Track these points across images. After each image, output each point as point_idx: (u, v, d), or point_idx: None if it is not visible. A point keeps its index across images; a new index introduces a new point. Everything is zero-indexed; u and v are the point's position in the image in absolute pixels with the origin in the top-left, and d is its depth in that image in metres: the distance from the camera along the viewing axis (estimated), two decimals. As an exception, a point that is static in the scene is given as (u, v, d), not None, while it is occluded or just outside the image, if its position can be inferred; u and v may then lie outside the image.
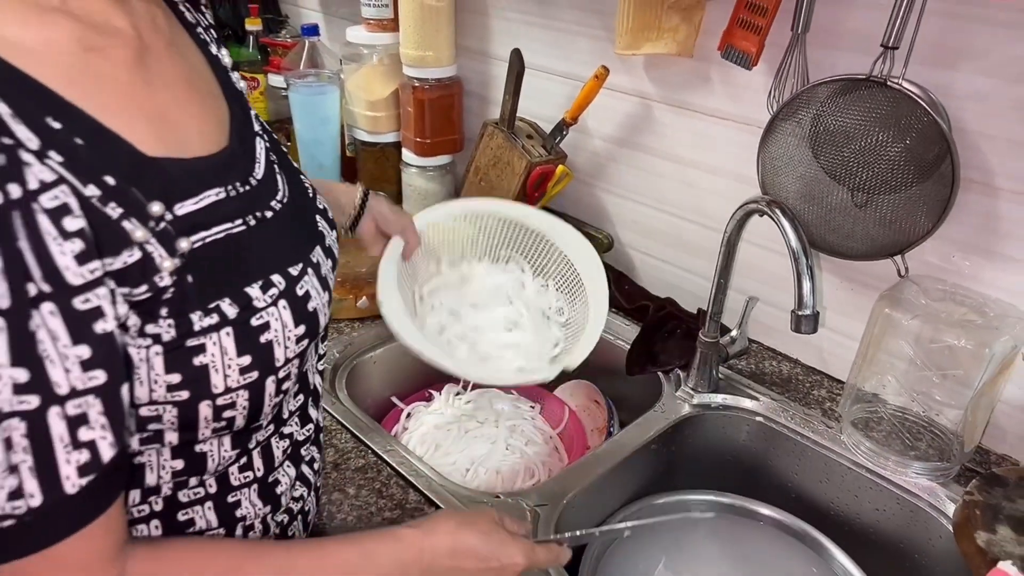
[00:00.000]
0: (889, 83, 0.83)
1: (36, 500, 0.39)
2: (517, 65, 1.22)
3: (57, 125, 0.40)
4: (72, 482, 0.40)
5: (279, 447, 0.60)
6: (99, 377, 0.40)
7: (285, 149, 0.64)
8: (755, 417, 0.98)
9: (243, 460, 0.57)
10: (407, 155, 1.45)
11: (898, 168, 0.86)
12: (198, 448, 0.52)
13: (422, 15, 1.32)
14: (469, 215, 0.94)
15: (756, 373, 1.06)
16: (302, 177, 0.63)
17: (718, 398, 1.00)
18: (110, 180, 0.42)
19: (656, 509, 0.93)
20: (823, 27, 0.90)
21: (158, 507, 0.53)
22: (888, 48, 0.82)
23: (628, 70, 1.15)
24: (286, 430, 0.61)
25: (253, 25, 1.71)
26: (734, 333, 1.01)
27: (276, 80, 1.65)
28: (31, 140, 0.39)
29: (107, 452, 0.41)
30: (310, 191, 0.63)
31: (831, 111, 0.89)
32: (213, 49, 0.59)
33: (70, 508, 0.41)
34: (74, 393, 0.39)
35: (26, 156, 0.38)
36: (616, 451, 0.91)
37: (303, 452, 0.65)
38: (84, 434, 0.40)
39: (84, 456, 0.40)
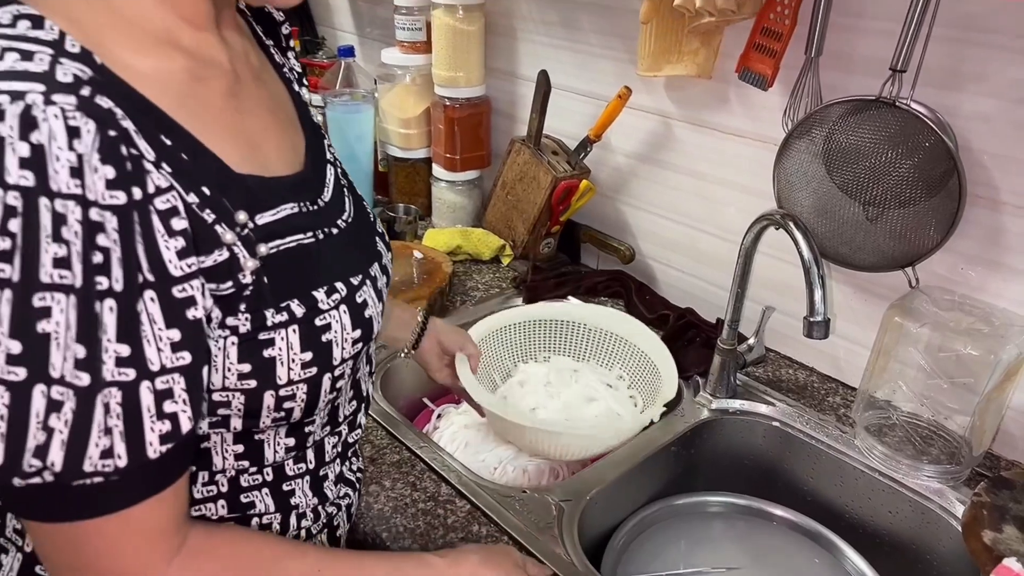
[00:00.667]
0: (898, 104, 0.87)
1: (123, 461, 0.44)
2: (544, 85, 1.29)
3: (168, 142, 0.47)
4: (154, 448, 0.45)
5: (331, 445, 0.66)
6: (186, 358, 0.46)
7: None
8: (771, 422, 1.02)
9: (298, 453, 0.62)
10: (437, 170, 1.52)
11: (908, 184, 0.90)
12: (257, 437, 0.58)
13: (454, 38, 1.39)
14: (513, 322, 1.09)
15: (773, 380, 1.10)
16: (365, 204, 0.69)
17: (736, 403, 1.04)
18: (206, 190, 0.48)
19: (675, 509, 0.97)
20: (835, 51, 0.95)
21: (224, 488, 0.59)
22: (896, 71, 0.86)
23: (650, 90, 1.20)
24: (339, 431, 0.67)
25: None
26: (751, 341, 1.06)
27: (313, 99, 1.73)
28: (149, 152, 0.45)
29: (186, 424, 0.47)
30: (371, 216, 0.69)
31: (843, 130, 0.93)
32: (295, 87, 0.67)
33: (150, 472, 0.46)
34: (163, 370, 0.45)
35: (147, 165, 0.45)
36: (637, 452, 0.96)
37: (351, 453, 0.71)
38: (168, 407, 0.46)
39: (166, 426, 0.46)
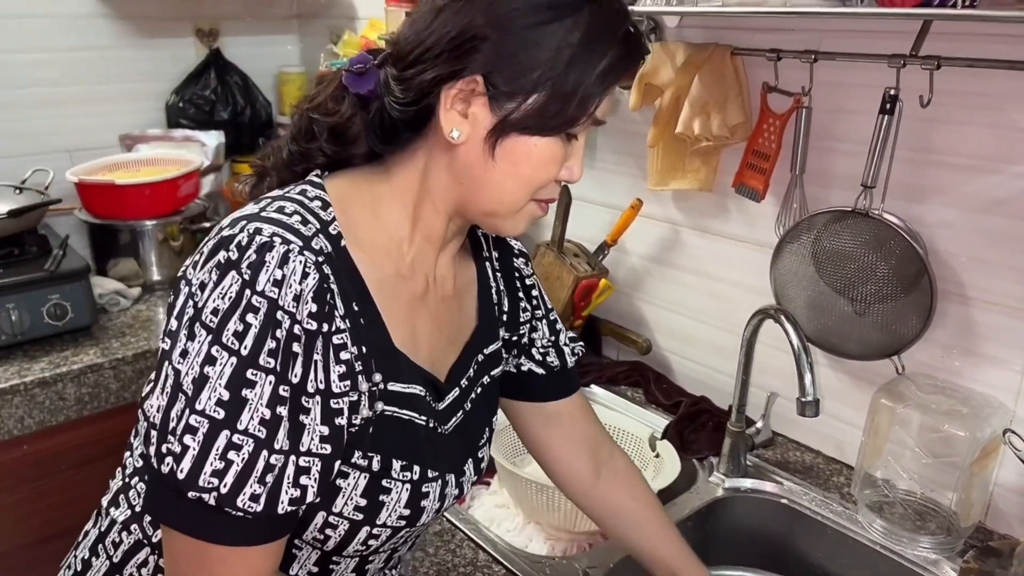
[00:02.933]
0: (870, 214, 1.01)
1: (259, 507, 0.57)
2: (565, 198, 1.46)
3: (356, 308, 0.63)
4: (283, 506, 0.58)
5: None
6: (327, 449, 0.60)
7: None
8: (780, 500, 1.11)
9: None
10: (471, 272, 1.68)
11: (887, 283, 1.03)
12: (293, 549, 0.69)
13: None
14: None
15: (782, 462, 1.19)
16: (487, 431, 0.80)
17: (747, 482, 1.14)
18: (364, 348, 0.63)
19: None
20: (817, 169, 1.11)
21: None
22: (866, 187, 1.01)
23: (659, 201, 1.37)
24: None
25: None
26: (759, 424, 1.16)
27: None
28: (340, 308, 0.61)
29: (309, 496, 0.60)
30: (481, 440, 0.79)
31: (827, 236, 1.07)
32: (491, 328, 0.80)
33: (272, 523, 0.59)
34: (310, 453, 0.59)
35: (336, 313, 0.61)
36: (655, 526, 1.05)
37: None
38: (303, 480, 0.59)
39: (296, 493, 0.59)
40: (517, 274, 0.84)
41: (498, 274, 0.82)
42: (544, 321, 0.86)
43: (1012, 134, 0.93)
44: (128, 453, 0.75)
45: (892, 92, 0.97)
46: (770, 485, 1.13)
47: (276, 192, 0.67)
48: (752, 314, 1.06)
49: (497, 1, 0.62)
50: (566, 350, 0.87)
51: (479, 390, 0.79)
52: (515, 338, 0.84)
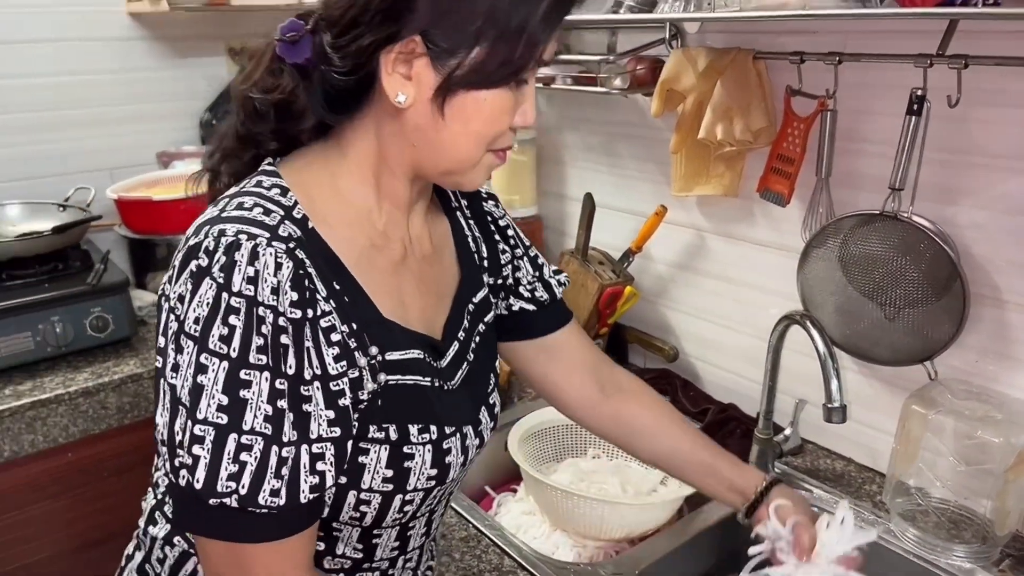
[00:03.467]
0: (899, 217, 1.00)
1: (282, 500, 0.58)
2: (589, 206, 1.46)
3: (337, 286, 0.64)
4: (305, 495, 0.59)
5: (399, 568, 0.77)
6: (336, 432, 0.61)
7: None
8: (810, 507, 1.09)
9: (368, 561, 0.73)
10: (499, 280, 1.69)
11: (918, 287, 1.01)
12: (334, 532, 0.70)
13: (510, 166, 1.59)
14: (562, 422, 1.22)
15: (812, 469, 1.18)
16: (491, 377, 0.80)
17: (775, 490, 1.12)
18: (354, 325, 0.64)
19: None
20: (844, 171, 1.09)
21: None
22: (894, 189, 0.99)
23: (684, 207, 1.36)
24: (411, 557, 0.77)
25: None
26: (787, 432, 1.15)
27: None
28: (322, 290, 0.62)
29: (329, 481, 0.61)
30: (489, 386, 0.79)
31: (855, 240, 1.06)
32: (478, 274, 0.80)
33: (298, 513, 0.60)
34: (320, 439, 0.60)
35: (318, 297, 0.62)
36: (683, 532, 1.04)
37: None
38: (319, 466, 0.60)
39: (315, 480, 0.60)
40: (489, 217, 0.84)
41: (471, 222, 0.82)
42: (525, 258, 0.86)
43: None
44: (155, 472, 0.77)
45: (919, 92, 0.95)
46: (799, 493, 1.11)
47: (232, 190, 0.66)
48: (777, 320, 1.05)
49: None
50: (552, 282, 0.88)
51: (477, 339, 0.79)
52: (499, 281, 0.84)
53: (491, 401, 0.80)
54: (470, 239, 0.82)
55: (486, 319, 0.81)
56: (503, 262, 0.84)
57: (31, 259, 1.50)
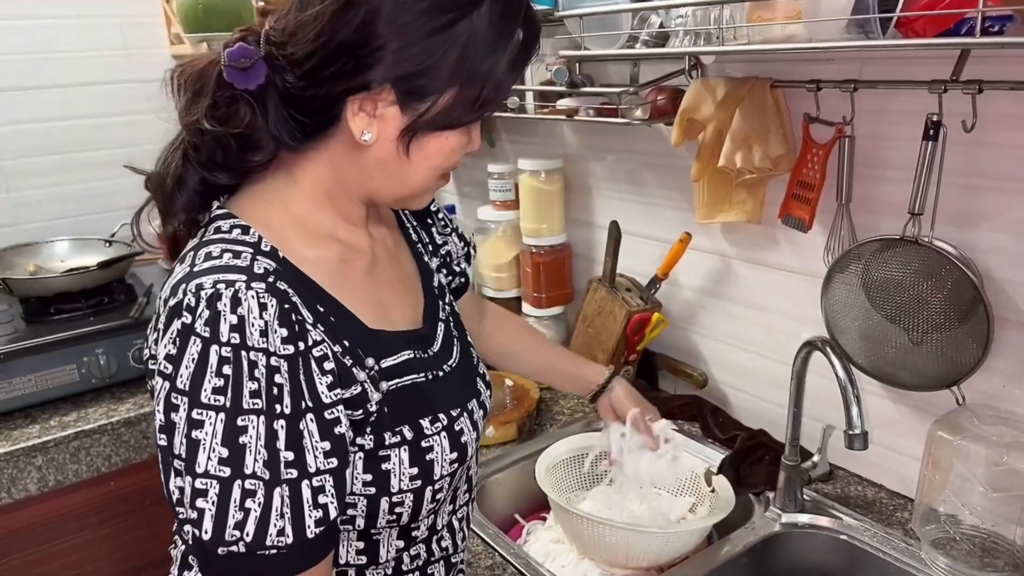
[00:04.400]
0: (920, 241, 1.00)
1: (289, 539, 0.60)
2: (615, 233, 1.48)
3: (321, 309, 0.66)
4: (311, 530, 0.61)
5: (440, 547, 0.80)
6: (334, 463, 0.63)
7: None
8: (839, 536, 1.08)
9: (410, 551, 0.76)
10: (527, 307, 1.72)
11: (942, 311, 1.00)
12: (374, 536, 0.73)
13: (538, 196, 1.62)
14: (586, 448, 1.23)
15: (842, 496, 1.16)
16: (472, 350, 0.86)
17: (804, 517, 1.11)
18: (347, 343, 0.67)
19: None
20: (864, 196, 1.10)
21: None
22: (914, 214, 1.00)
23: (708, 234, 1.37)
24: (443, 543, 0.80)
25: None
26: (816, 458, 1.14)
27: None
28: (309, 317, 0.64)
29: (333, 513, 0.63)
30: (475, 358, 0.85)
31: (877, 264, 1.06)
32: (426, 259, 0.86)
33: (307, 548, 0.62)
34: (318, 472, 0.61)
35: (308, 326, 0.63)
36: (710, 560, 1.04)
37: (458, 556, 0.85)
38: (321, 499, 0.61)
39: (319, 514, 0.61)
40: None
41: (405, 212, 0.87)
42: (454, 234, 0.91)
43: None
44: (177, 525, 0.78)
45: (935, 118, 0.96)
46: (827, 520, 1.10)
47: (192, 242, 0.67)
48: (800, 346, 1.05)
49: (393, 12, 0.60)
50: (470, 251, 0.94)
51: (452, 319, 0.84)
52: (440, 261, 0.89)
53: (481, 370, 0.84)
54: (411, 229, 0.86)
55: (447, 297, 0.86)
56: (439, 242, 0.89)
57: (77, 293, 1.58)
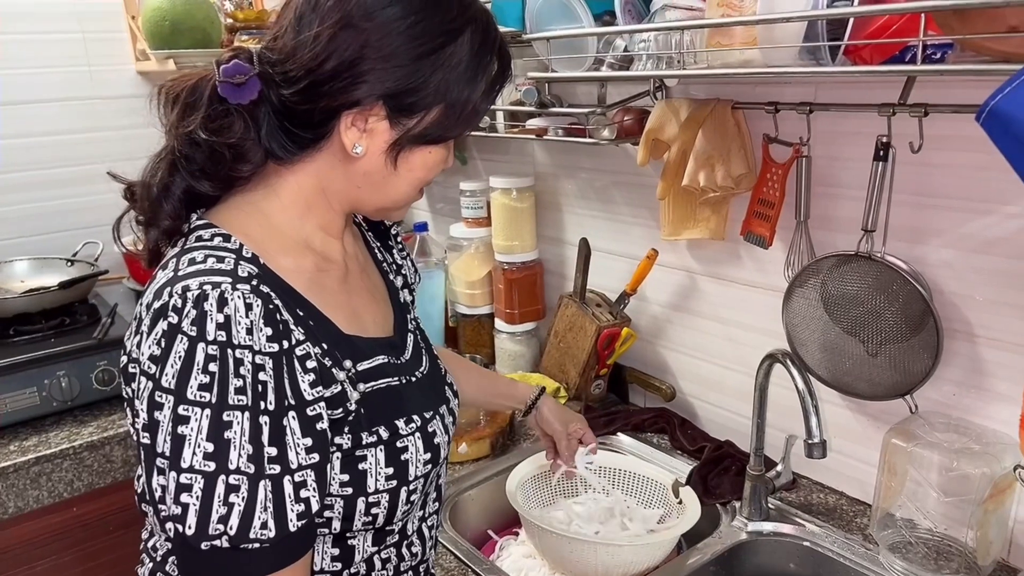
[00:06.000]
0: (873, 257, 1.04)
1: (272, 532, 0.61)
2: (585, 250, 1.51)
3: (301, 313, 0.69)
4: (293, 523, 0.62)
5: (411, 552, 0.81)
6: (315, 458, 0.65)
7: None
8: (803, 542, 1.12)
9: (382, 554, 0.78)
10: (499, 323, 1.74)
11: (895, 323, 1.05)
12: (349, 541, 0.74)
13: (509, 214, 1.65)
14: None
15: (805, 504, 1.20)
16: (439, 362, 0.89)
17: (769, 526, 1.15)
18: (325, 345, 0.69)
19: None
20: (820, 214, 1.14)
21: None
22: (867, 231, 1.04)
23: (675, 250, 1.41)
24: (412, 548, 0.82)
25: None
26: (779, 467, 1.17)
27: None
28: (290, 320, 0.67)
29: (315, 506, 0.64)
30: (442, 369, 0.89)
31: (834, 279, 1.10)
32: (391, 277, 0.90)
33: (290, 541, 0.63)
34: (300, 467, 0.63)
35: (291, 327, 0.66)
36: (679, 569, 1.07)
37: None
38: (303, 493, 0.63)
39: (301, 507, 0.63)
40: (382, 226, 0.92)
41: (369, 233, 0.90)
42: (408, 259, 0.94)
43: (1002, 175, 0.95)
44: (148, 539, 0.78)
45: (884, 139, 1.01)
46: (791, 528, 1.13)
47: (173, 251, 0.70)
48: (762, 359, 1.09)
49: (386, 36, 0.65)
50: (417, 280, 0.97)
51: (420, 332, 0.88)
52: (403, 281, 0.91)
53: (449, 380, 0.88)
54: (376, 249, 0.90)
55: (412, 314, 0.90)
56: (400, 263, 0.92)
57: (37, 314, 1.55)
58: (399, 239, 0.96)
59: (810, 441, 0.93)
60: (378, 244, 0.92)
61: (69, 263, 1.77)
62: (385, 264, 0.90)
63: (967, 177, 0.99)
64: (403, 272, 0.93)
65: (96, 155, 1.93)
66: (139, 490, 0.74)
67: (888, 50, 0.89)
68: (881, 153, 1.01)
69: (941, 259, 1.03)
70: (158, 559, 0.76)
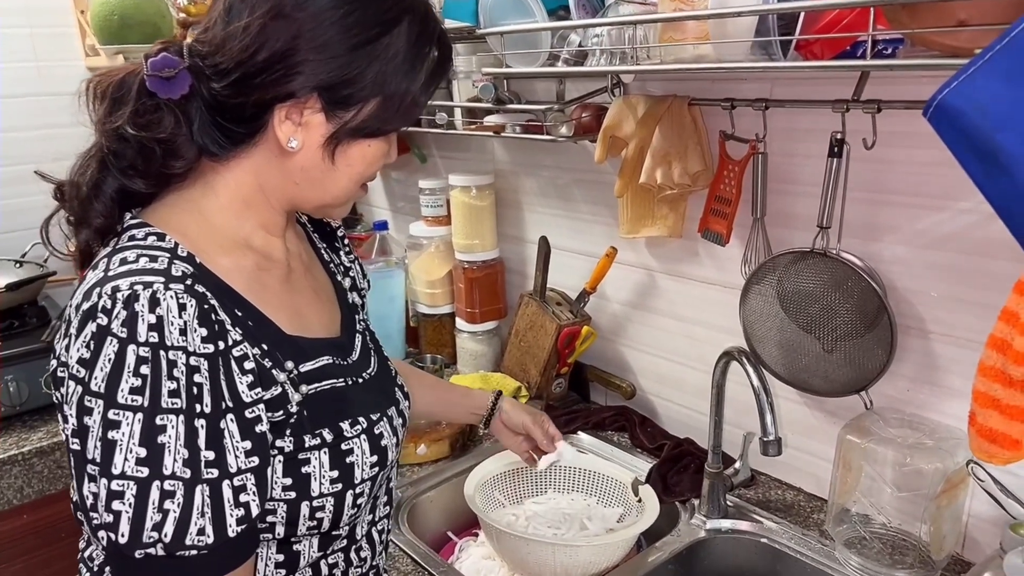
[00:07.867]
0: (828, 254, 1.04)
1: (210, 539, 0.59)
2: (545, 248, 1.50)
3: (239, 313, 0.67)
4: (232, 529, 0.60)
5: (359, 558, 0.80)
6: (255, 461, 0.63)
7: None
8: (760, 539, 1.12)
9: (329, 559, 0.76)
10: (460, 323, 1.72)
11: (850, 320, 1.05)
12: (294, 546, 0.72)
13: (469, 212, 1.63)
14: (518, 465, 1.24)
15: (763, 501, 1.20)
16: (389, 363, 0.87)
17: (727, 523, 1.14)
18: (265, 346, 0.67)
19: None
20: (777, 211, 1.14)
21: None
22: (822, 228, 1.04)
23: (633, 248, 1.40)
24: (360, 546, 0.80)
25: (333, 223, 2.08)
26: (737, 465, 1.17)
27: (351, 266, 1.98)
28: (227, 320, 0.64)
29: (255, 511, 0.62)
30: (392, 371, 0.87)
31: (790, 276, 1.10)
32: (339, 278, 0.87)
33: (230, 548, 0.61)
34: (239, 471, 0.61)
35: (227, 327, 0.64)
36: (638, 567, 1.06)
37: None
38: (243, 497, 0.61)
39: (241, 512, 0.61)
40: (328, 228, 0.90)
41: (315, 235, 0.88)
42: (356, 261, 0.92)
43: (954, 171, 0.94)
44: (85, 548, 0.76)
45: (838, 136, 1.01)
46: (749, 524, 1.13)
47: (105, 250, 0.67)
48: (719, 356, 1.08)
49: (319, 26, 0.63)
50: (367, 283, 0.94)
51: (369, 334, 0.85)
52: (351, 283, 0.89)
53: (399, 382, 0.86)
54: (322, 250, 0.88)
55: (361, 315, 0.88)
56: (347, 265, 0.90)
57: (-17, 318, 1.50)
58: (346, 241, 0.93)
59: (765, 439, 0.93)
60: (324, 245, 0.89)
61: (17, 264, 1.71)
62: (332, 265, 0.88)
63: (920, 173, 0.99)
64: (351, 274, 0.90)
65: (45, 153, 1.86)
66: (74, 498, 0.71)
67: (839, 45, 0.88)
68: (835, 150, 1.01)
69: (895, 255, 1.03)
70: (95, 569, 0.74)
